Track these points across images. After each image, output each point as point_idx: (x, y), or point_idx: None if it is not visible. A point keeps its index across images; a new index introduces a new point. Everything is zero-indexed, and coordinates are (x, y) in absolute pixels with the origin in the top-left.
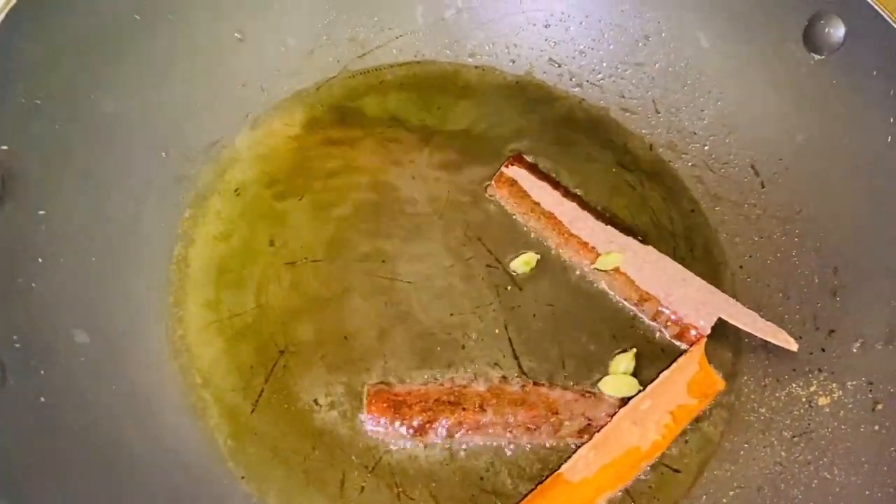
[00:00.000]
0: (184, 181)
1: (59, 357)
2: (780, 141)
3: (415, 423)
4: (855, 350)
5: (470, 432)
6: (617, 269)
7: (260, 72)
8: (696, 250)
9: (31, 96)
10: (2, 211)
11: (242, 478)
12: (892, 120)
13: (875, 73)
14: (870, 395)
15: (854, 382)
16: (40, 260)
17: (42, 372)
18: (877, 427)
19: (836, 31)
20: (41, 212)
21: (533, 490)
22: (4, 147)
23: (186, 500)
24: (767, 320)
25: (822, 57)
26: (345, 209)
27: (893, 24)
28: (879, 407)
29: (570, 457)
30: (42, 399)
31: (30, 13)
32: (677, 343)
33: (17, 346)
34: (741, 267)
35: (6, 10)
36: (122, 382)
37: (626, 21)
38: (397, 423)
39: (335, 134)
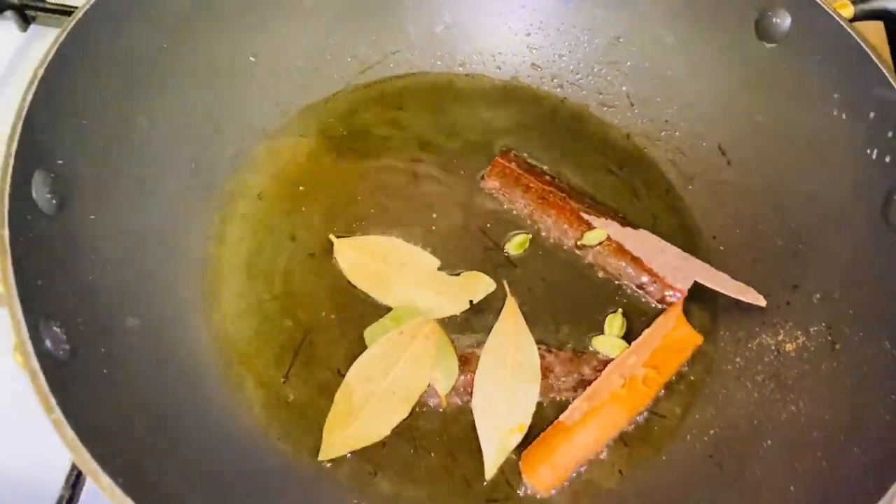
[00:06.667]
0: (212, 189)
1: (115, 338)
2: (742, 122)
3: None
4: (815, 301)
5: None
6: (601, 243)
7: (273, 90)
8: (673, 226)
9: (80, 118)
10: (60, 217)
11: (278, 438)
12: (836, 96)
13: (819, 56)
14: (829, 338)
15: (815, 328)
16: (93, 257)
17: (102, 350)
18: (835, 364)
19: (784, 21)
20: (92, 216)
21: (537, 438)
22: (60, 161)
23: (230, 460)
24: (739, 281)
25: (774, 45)
26: (355, 206)
27: (830, 13)
28: (837, 346)
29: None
30: (105, 371)
31: (75, 49)
32: (660, 306)
33: (82, 328)
34: (714, 237)
35: (55, 47)
36: (169, 361)
37: (598, 26)
38: None
39: (343, 141)
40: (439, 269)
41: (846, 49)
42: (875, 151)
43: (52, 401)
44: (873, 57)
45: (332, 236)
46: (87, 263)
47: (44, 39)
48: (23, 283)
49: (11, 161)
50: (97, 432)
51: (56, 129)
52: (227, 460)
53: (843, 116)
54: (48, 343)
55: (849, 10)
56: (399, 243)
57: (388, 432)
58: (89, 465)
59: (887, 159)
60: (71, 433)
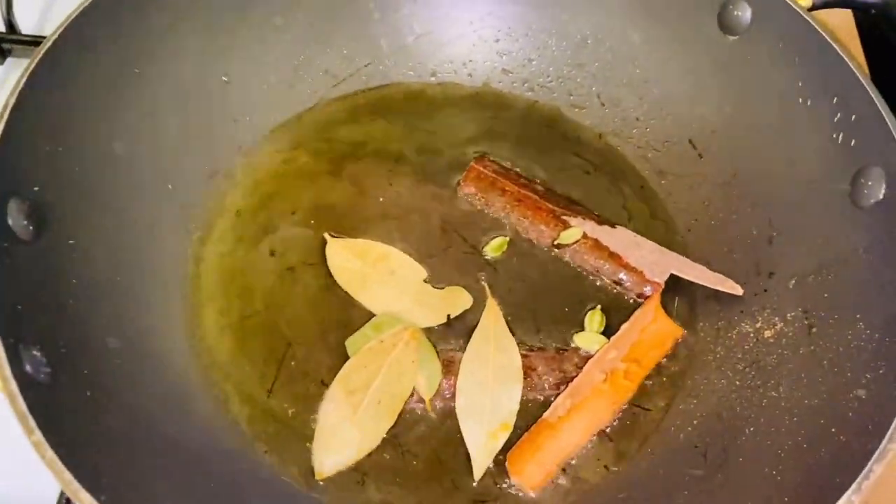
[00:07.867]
0: (190, 208)
1: (97, 360)
2: (710, 116)
3: None
4: (791, 286)
5: None
6: (578, 241)
7: (247, 108)
8: (647, 221)
9: (54, 144)
10: (39, 243)
11: (265, 452)
12: (799, 84)
13: (780, 45)
14: (806, 322)
15: (792, 314)
16: (74, 281)
17: (85, 371)
18: (812, 347)
19: (745, 13)
20: (71, 241)
21: (521, 437)
22: (36, 188)
23: (218, 475)
24: (715, 272)
25: (737, 37)
26: (333, 219)
27: (788, 2)
28: (814, 330)
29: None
30: (87, 392)
31: (46, 76)
32: (639, 301)
33: (63, 351)
34: (689, 230)
35: (25, 76)
36: (153, 380)
37: (565, 29)
38: None
39: (319, 155)
40: (425, 280)
41: (806, 37)
42: (840, 135)
43: (32, 422)
44: (832, 42)
45: (326, 234)
46: (67, 287)
47: (20, 72)
48: (1, 308)
49: None
50: (80, 453)
51: (30, 156)
52: (214, 475)
53: (808, 103)
54: (28, 367)
55: (806, 0)
56: (391, 251)
57: (378, 441)
58: (70, 485)
59: (852, 143)
60: (51, 453)
